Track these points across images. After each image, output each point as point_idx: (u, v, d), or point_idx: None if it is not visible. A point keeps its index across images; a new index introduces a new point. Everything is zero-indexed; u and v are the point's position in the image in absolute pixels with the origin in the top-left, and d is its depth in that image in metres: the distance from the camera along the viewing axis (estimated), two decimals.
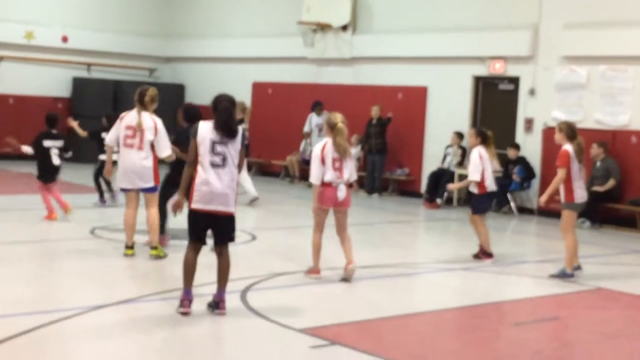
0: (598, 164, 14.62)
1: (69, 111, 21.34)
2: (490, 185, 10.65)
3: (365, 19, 18.88)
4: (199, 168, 7.12)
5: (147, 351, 6.30)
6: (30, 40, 21.18)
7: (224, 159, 7.14)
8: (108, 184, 13.72)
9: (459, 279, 9.89)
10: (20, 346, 6.16)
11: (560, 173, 9.58)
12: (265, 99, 20.87)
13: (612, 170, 14.49)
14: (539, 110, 15.93)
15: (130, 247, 9.57)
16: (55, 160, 12.10)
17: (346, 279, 8.99)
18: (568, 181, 9.65)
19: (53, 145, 12.11)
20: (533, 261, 10.91)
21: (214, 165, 7.12)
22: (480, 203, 10.73)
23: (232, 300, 7.51)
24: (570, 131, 9.75)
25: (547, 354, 6.81)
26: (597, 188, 14.38)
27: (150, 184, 9.53)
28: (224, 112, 7.17)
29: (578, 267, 9.99)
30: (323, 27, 19.20)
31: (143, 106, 9.44)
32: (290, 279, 8.98)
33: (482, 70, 16.87)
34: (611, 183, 14.45)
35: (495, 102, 16.96)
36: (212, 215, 7.15)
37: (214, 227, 7.24)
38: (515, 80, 16.45)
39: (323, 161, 8.79)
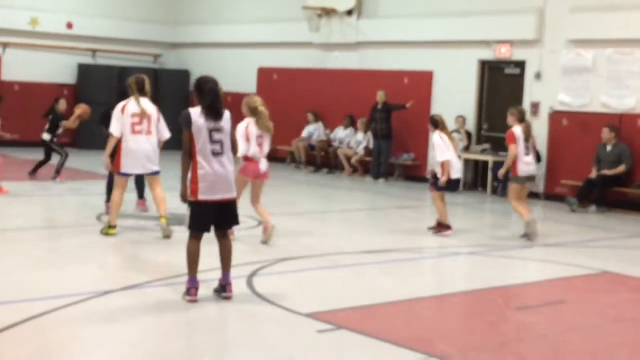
0: (609, 148, 14.55)
1: (74, 97, 21.39)
2: (453, 173, 11.04)
3: (371, 3, 18.81)
4: (200, 159, 7.04)
5: (155, 335, 6.32)
6: (35, 27, 21.18)
7: (222, 146, 7.12)
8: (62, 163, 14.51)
9: (465, 264, 9.90)
10: (29, 332, 6.19)
11: (512, 149, 11.00)
12: (271, 85, 20.84)
13: (625, 156, 14.42)
14: (545, 94, 15.87)
15: (114, 227, 9.87)
16: None
17: (266, 241, 9.80)
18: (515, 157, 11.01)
19: None
20: (539, 245, 10.89)
21: (215, 154, 7.07)
22: (441, 185, 11.10)
23: (238, 285, 7.52)
24: (520, 115, 11.32)
25: (553, 337, 6.81)
26: (606, 172, 14.34)
27: (158, 166, 9.98)
28: (209, 95, 7.05)
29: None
30: (328, 12, 19.14)
31: (144, 94, 9.86)
32: (296, 264, 8.99)
33: (488, 55, 16.81)
34: (621, 169, 14.39)
35: (501, 87, 16.90)
36: (218, 203, 7.15)
37: (220, 214, 7.20)
38: (521, 65, 16.39)
39: (247, 139, 9.54)
